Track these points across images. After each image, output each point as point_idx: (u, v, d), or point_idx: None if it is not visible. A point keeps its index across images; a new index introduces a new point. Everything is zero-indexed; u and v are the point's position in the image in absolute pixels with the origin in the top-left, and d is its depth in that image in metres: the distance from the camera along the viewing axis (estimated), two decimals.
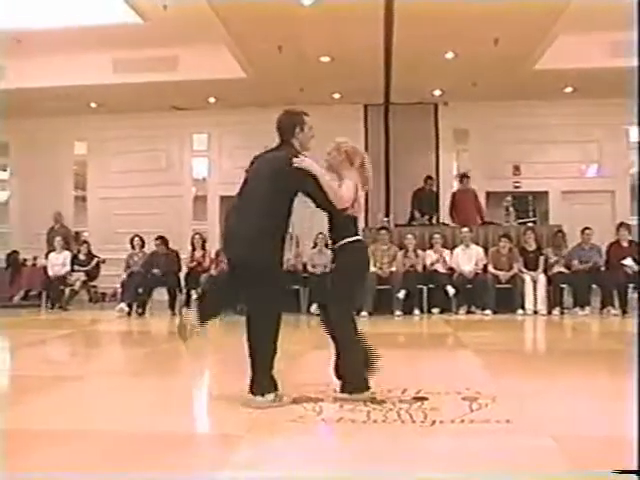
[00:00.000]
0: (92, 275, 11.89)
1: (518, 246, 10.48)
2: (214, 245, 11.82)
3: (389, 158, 13.09)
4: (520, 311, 9.84)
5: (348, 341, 4.19)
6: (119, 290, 11.09)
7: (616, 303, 9.76)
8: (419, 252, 10.42)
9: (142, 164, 13.74)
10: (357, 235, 4.34)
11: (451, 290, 10.04)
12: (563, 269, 10.17)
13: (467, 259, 10.34)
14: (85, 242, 12.46)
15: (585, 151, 13.10)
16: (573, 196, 12.98)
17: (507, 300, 10.04)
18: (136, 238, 11.34)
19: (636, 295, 9.95)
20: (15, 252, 12.91)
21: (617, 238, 10.38)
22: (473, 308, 10.09)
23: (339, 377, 4.23)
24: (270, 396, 4.00)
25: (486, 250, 10.50)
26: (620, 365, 5.31)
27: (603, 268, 10.21)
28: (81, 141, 14.32)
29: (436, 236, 10.61)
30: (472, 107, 12.87)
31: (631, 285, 9.88)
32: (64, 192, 14.22)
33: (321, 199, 4.16)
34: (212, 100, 12.77)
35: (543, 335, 9.05)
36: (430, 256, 10.45)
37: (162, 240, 10.98)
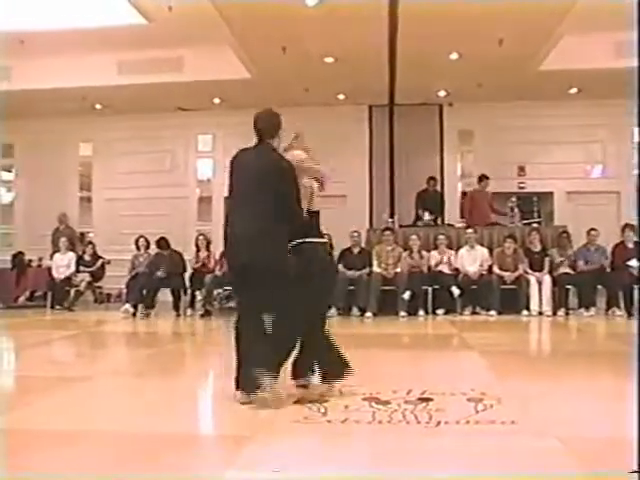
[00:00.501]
0: (97, 276, 11.92)
1: (523, 247, 10.47)
2: (218, 246, 11.80)
3: (394, 159, 13.08)
4: (525, 312, 9.83)
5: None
6: (124, 291, 11.12)
7: (621, 304, 9.74)
8: (424, 253, 10.42)
9: (147, 165, 13.76)
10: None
11: (456, 291, 10.03)
12: (568, 270, 10.16)
13: (472, 260, 10.33)
14: (90, 243, 12.49)
15: (590, 152, 13.07)
16: (578, 197, 12.96)
17: (512, 301, 10.02)
18: (141, 239, 11.35)
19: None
20: (20, 253, 12.94)
21: (622, 239, 10.37)
22: (478, 309, 10.08)
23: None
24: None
25: (491, 251, 10.49)
26: (625, 366, 5.29)
27: (608, 269, 10.19)
28: (86, 142, 14.34)
29: (441, 237, 10.60)
30: (477, 108, 12.85)
31: (636, 286, 9.85)
32: (69, 193, 14.25)
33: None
34: (217, 101, 12.78)
35: (548, 336, 9.03)
36: (435, 257, 10.44)
37: (164, 241, 10.99)
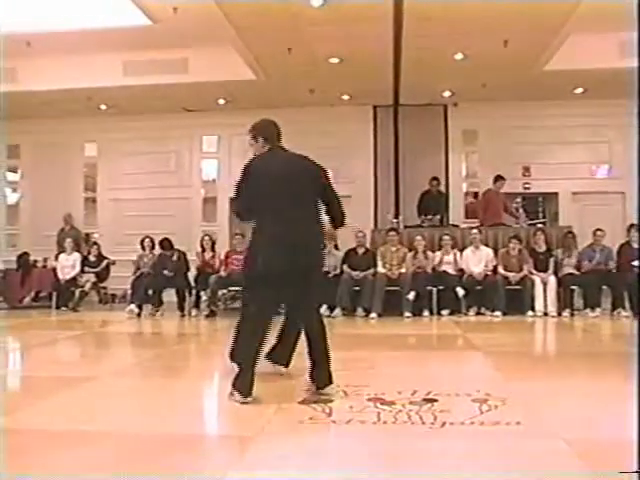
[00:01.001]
0: (102, 276, 11.94)
1: (528, 247, 10.45)
2: (224, 246, 11.84)
3: (398, 159, 13.08)
4: (530, 313, 9.81)
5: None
6: (129, 291, 11.13)
7: (627, 305, 9.72)
8: (429, 253, 10.41)
9: (152, 166, 13.79)
10: None
11: (461, 291, 10.01)
12: (573, 270, 10.14)
13: (477, 260, 10.32)
14: (95, 243, 12.51)
15: (595, 152, 13.04)
16: (583, 197, 12.93)
17: (517, 301, 10.01)
18: (146, 239, 11.36)
19: None
20: (25, 254, 12.96)
21: (628, 239, 10.35)
22: (483, 309, 10.06)
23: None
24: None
25: (496, 251, 10.47)
26: (631, 367, 5.27)
27: (614, 269, 10.17)
28: (91, 143, 14.36)
29: (445, 237, 10.59)
30: (482, 108, 12.84)
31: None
32: (74, 194, 14.28)
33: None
34: (222, 102, 12.79)
35: (553, 337, 9.02)
36: (440, 257, 10.43)
37: (167, 242, 11.00)
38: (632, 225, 10.42)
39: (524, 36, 9.44)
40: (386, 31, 9.21)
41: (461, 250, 10.58)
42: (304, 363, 4.49)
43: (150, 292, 10.54)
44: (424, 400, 4.14)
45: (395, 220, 11.64)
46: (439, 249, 10.61)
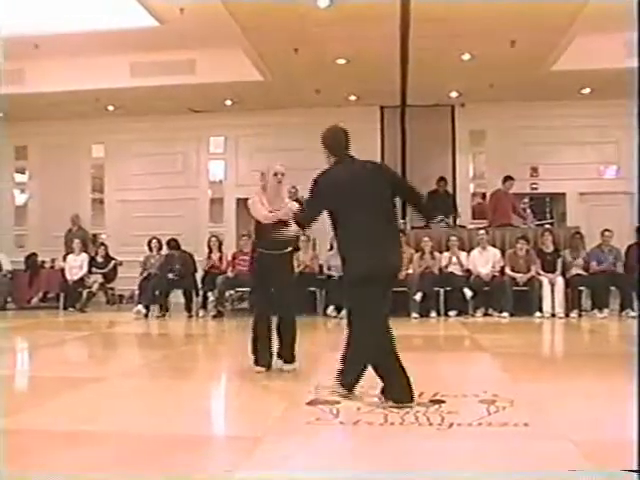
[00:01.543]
0: (109, 277, 11.96)
1: (535, 248, 10.42)
2: (231, 247, 11.86)
3: (405, 160, 13.05)
4: (538, 314, 9.78)
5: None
6: (136, 292, 11.15)
7: (635, 305, 9.68)
8: (436, 254, 10.40)
9: (159, 167, 13.80)
10: None
11: (468, 292, 10.00)
12: (581, 271, 10.11)
13: (484, 261, 10.30)
14: (103, 244, 12.54)
15: (603, 152, 12.99)
16: (591, 198, 12.88)
17: (524, 302, 9.98)
18: (154, 240, 11.38)
19: None
20: (33, 254, 13.01)
21: (636, 240, 10.30)
22: (490, 310, 10.04)
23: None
24: None
25: (503, 252, 10.45)
26: (631, 367, 5.25)
27: (622, 270, 10.13)
28: (99, 144, 14.39)
29: (453, 238, 10.58)
30: (489, 109, 12.81)
31: None
32: (82, 195, 14.31)
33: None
34: (229, 103, 12.80)
35: (561, 338, 8.99)
36: (447, 258, 10.42)
37: (174, 242, 11.02)
38: None
39: (531, 36, 9.41)
40: (393, 32, 9.19)
41: (468, 251, 10.57)
42: (310, 365, 4.49)
43: (157, 293, 10.56)
44: (431, 401, 4.13)
45: (402, 221, 11.61)
46: (446, 250, 10.60)
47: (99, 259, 12.03)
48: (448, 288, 10.11)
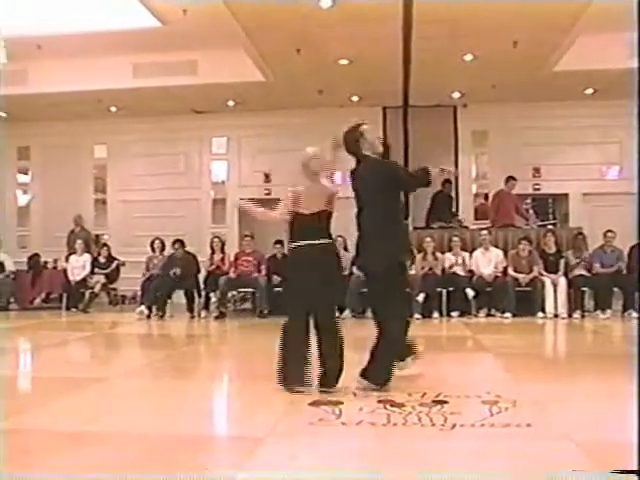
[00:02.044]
0: (112, 278, 11.97)
1: (538, 249, 10.42)
2: (233, 248, 11.86)
3: (408, 160, 13.01)
4: (540, 314, 9.78)
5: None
6: (139, 293, 11.16)
7: (637, 306, 9.66)
8: (438, 255, 10.39)
9: (161, 167, 13.81)
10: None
11: (470, 293, 10.00)
12: (584, 272, 10.10)
13: (486, 262, 10.30)
14: (105, 245, 12.55)
15: (606, 153, 12.98)
16: (594, 198, 12.86)
17: (527, 303, 9.97)
18: (156, 241, 11.38)
19: None
20: (36, 255, 13.02)
21: (639, 241, 10.28)
22: (493, 311, 10.03)
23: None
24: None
25: (505, 253, 10.44)
26: (631, 367, 5.25)
27: (625, 271, 10.12)
28: (101, 145, 14.40)
29: (455, 239, 10.58)
30: (491, 109, 12.80)
31: None
32: (84, 195, 14.33)
33: None
34: (231, 103, 12.80)
35: (564, 339, 8.98)
36: (449, 259, 10.41)
37: (180, 243, 11.03)
38: None
39: (534, 37, 9.41)
40: (395, 32, 9.19)
41: (471, 251, 10.56)
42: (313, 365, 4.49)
43: (159, 294, 10.56)
44: (434, 402, 4.13)
45: (405, 221, 11.60)
46: (449, 250, 10.59)
47: (101, 260, 12.04)
48: (451, 289, 10.11)
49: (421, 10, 8.46)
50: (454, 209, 12.55)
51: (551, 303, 9.82)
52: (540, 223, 12.00)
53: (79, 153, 14.20)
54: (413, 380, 4.68)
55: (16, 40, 8.86)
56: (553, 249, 10.33)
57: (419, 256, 10.32)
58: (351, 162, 4.77)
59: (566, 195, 13.18)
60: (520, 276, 10.06)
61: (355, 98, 12.59)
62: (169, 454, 3.25)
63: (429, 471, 2.99)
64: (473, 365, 6.34)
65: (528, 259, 10.18)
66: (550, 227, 11.71)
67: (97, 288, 11.65)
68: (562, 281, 9.94)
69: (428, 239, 10.41)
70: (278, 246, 10.97)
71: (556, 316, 9.71)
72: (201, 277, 10.93)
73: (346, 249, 10.61)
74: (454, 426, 3.61)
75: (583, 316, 9.78)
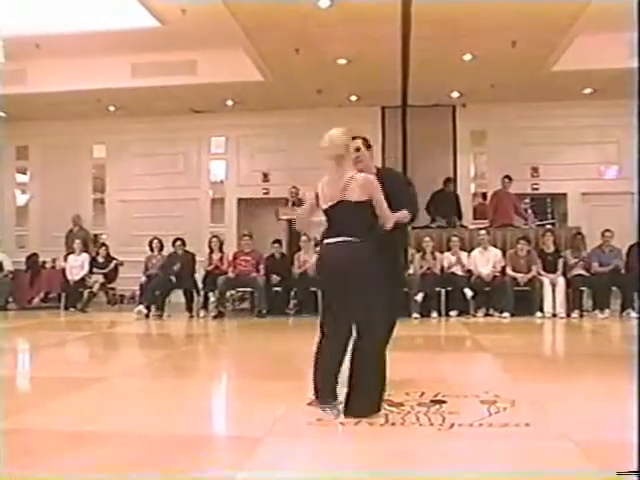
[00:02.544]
0: (110, 277, 11.96)
1: (536, 248, 10.42)
2: (232, 247, 11.87)
3: (406, 160, 13.05)
4: (539, 314, 9.78)
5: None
6: (137, 292, 11.15)
7: (636, 306, 9.67)
8: (437, 254, 10.40)
9: (160, 167, 13.82)
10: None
11: (469, 292, 10.00)
12: (582, 271, 10.10)
13: (485, 261, 10.30)
14: (104, 244, 12.55)
15: (605, 152, 12.99)
16: (592, 198, 12.88)
17: (525, 303, 9.98)
18: (155, 240, 11.37)
19: None
20: (35, 254, 13.02)
21: (638, 240, 10.28)
22: (491, 311, 10.03)
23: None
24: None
25: (504, 252, 10.45)
26: (631, 367, 5.26)
27: (623, 271, 10.13)
28: (100, 144, 14.41)
29: (454, 238, 10.58)
30: (490, 109, 12.82)
31: None
32: (83, 195, 14.33)
33: None
34: (230, 103, 12.81)
35: (562, 338, 8.99)
36: (448, 258, 10.42)
37: (181, 241, 11.03)
38: None
39: (532, 36, 9.42)
40: (394, 32, 9.20)
41: (469, 251, 10.56)
42: (305, 364, 4.48)
43: (158, 293, 10.56)
44: (432, 401, 4.13)
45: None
46: (447, 250, 10.60)
47: (100, 259, 12.03)
48: (449, 288, 10.11)
49: (420, 10, 8.48)
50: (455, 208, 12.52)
51: (549, 303, 9.83)
52: (539, 223, 12.03)
53: (78, 153, 14.20)
54: (411, 380, 4.68)
55: (15, 39, 8.87)
56: (551, 249, 10.34)
57: (418, 255, 10.33)
58: None
59: (564, 195, 13.20)
60: (518, 276, 10.07)
61: (354, 98, 12.59)
62: (168, 454, 3.25)
63: (427, 471, 3.00)
64: (471, 365, 6.34)
65: (526, 259, 10.18)
66: (548, 227, 11.73)
67: (95, 288, 11.65)
68: (560, 281, 9.94)
69: (427, 239, 10.41)
70: (276, 245, 11.00)
71: (554, 316, 9.71)
72: (199, 277, 10.92)
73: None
74: (452, 426, 3.61)
75: (581, 316, 9.78)
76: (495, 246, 10.59)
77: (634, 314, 9.55)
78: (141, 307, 10.35)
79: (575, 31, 9.43)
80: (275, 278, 10.59)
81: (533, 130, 12.87)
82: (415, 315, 9.77)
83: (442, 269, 10.31)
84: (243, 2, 8.39)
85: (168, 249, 11.19)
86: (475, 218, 13.07)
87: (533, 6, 8.36)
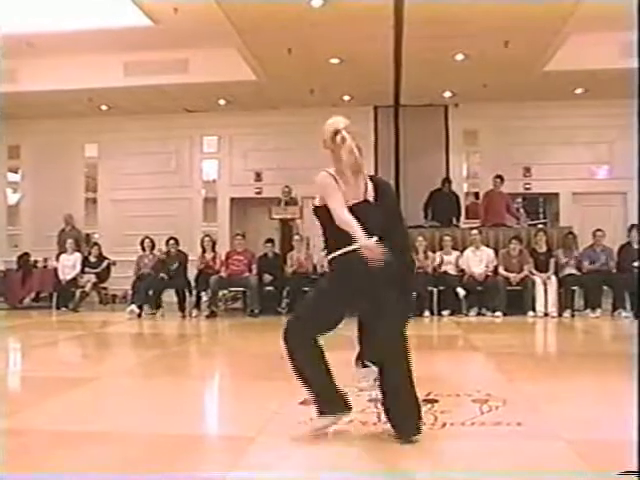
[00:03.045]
0: (102, 277, 11.93)
1: (528, 248, 10.45)
2: (224, 247, 11.85)
3: (399, 160, 13.06)
4: (531, 313, 9.81)
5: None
6: (129, 292, 11.13)
7: (627, 305, 9.71)
8: (429, 254, 10.41)
9: (152, 166, 13.78)
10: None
11: (461, 292, 10.02)
12: (574, 271, 10.14)
13: (477, 261, 10.32)
14: (96, 244, 12.51)
15: (596, 152, 13.03)
16: (584, 198, 12.92)
17: (518, 302, 10.01)
18: (146, 240, 11.35)
19: None
20: (26, 254, 12.96)
21: (629, 240, 10.34)
22: (483, 310, 10.05)
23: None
24: None
25: (496, 252, 10.47)
26: (631, 368, 5.27)
27: (614, 270, 10.16)
28: (92, 143, 14.35)
29: (446, 238, 10.60)
30: (482, 108, 12.83)
31: None
32: (75, 194, 14.28)
33: None
34: (222, 102, 12.79)
35: (554, 337, 9.01)
36: (441, 258, 10.44)
37: (174, 240, 11.01)
38: (633, 226, 10.41)
39: (525, 37, 9.43)
40: (387, 32, 9.21)
41: (462, 250, 10.58)
42: None
43: (150, 293, 10.55)
44: (424, 401, 4.13)
45: None
46: (440, 249, 10.61)
47: (92, 259, 12.00)
48: (442, 288, 10.12)
49: (412, 10, 8.49)
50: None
51: (541, 302, 9.85)
52: (531, 222, 12.07)
53: (70, 152, 14.15)
54: None
55: (7, 38, 8.85)
56: (544, 248, 10.36)
57: None
58: None
59: (556, 194, 13.24)
60: (511, 275, 10.09)
61: (346, 97, 12.59)
62: (160, 453, 3.25)
63: (419, 470, 3.00)
64: (464, 364, 6.35)
65: (519, 258, 10.21)
66: (540, 226, 11.77)
67: (87, 287, 11.62)
68: (552, 280, 9.97)
69: (420, 238, 10.42)
70: (269, 245, 10.98)
71: (546, 315, 9.74)
72: (191, 276, 10.90)
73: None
74: (444, 425, 3.62)
75: (573, 315, 9.81)
76: (487, 246, 10.61)
77: (625, 314, 9.59)
78: (133, 307, 10.32)
79: (567, 31, 9.45)
80: (267, 277, 10.59)
81: (525, 130, 12.89)
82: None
83: (434, 268, 10.32)
84: (235, 1, 8.38)
85: (160, 248, 11.17)
86: (467, 218, 13.08)
87: (525, 6, 8.37)
